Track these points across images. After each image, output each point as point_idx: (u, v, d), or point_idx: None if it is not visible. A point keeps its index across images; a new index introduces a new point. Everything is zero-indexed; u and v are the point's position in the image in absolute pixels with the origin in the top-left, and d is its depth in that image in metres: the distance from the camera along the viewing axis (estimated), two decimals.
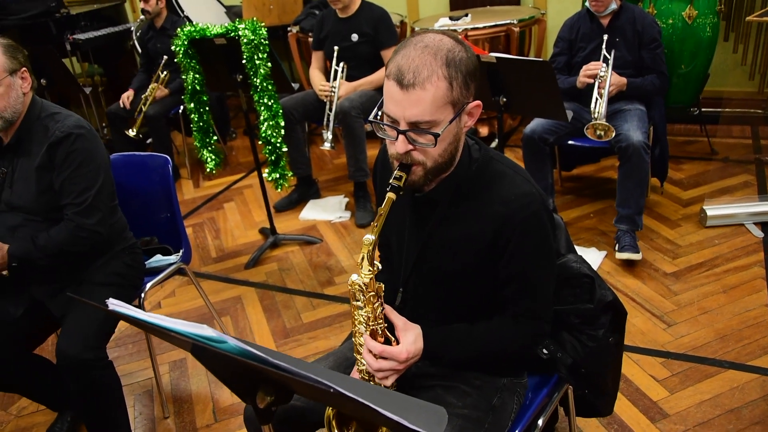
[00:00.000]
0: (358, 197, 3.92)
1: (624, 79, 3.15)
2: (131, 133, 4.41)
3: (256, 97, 3.16)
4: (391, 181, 1.32)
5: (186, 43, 3.21)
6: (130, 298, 2.36)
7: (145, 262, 2.53)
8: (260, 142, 3.27)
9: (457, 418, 1.46)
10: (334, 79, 3.74)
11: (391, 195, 1.32)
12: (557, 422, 2.23)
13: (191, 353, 1.04)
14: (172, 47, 3.29)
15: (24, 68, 2.06)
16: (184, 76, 3.36)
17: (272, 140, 3.22)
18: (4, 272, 2.13)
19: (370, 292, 1.33)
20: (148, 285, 2.43)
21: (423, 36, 1.30)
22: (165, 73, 4.47)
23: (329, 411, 1.40)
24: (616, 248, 3.11)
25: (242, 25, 3.08)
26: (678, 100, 4.11)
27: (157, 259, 2.59)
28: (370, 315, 1.35)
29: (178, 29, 3.27)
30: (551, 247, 1.45)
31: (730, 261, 3.06)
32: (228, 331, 2.98)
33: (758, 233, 3.23)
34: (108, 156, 2.21)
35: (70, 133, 2.02)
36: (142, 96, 4.48)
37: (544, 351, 1.68)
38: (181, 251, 2.61)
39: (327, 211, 4.01)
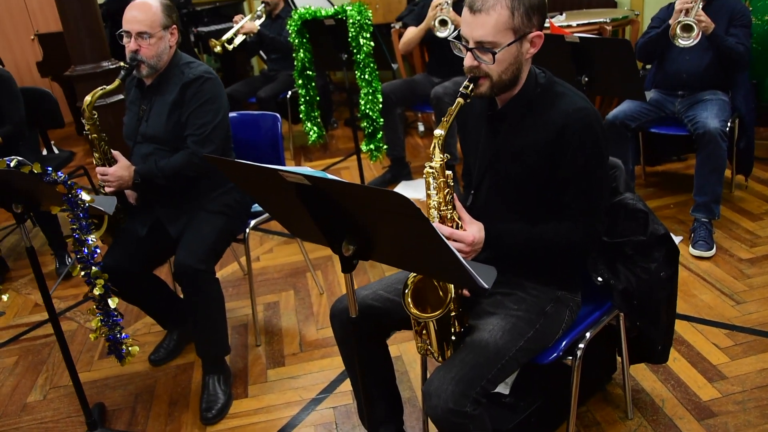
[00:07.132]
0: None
1: (712, 24, 3.05)
2: (217, 48, 4.99)
3: (358, 74, 3.48)
4: (461, 89, 1.61)
5: (299, 23, 3.58)
6: (237, 230, 2.68)
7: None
8: (359, 115, 3.58)
9: (512, 317, 1.68)
10: None
11: (460, 100, 1.60)
12: (615, 372, 2.35)
13: (298, 196, 1.30)
14: (287, 27, 3.68)
15: (174, 25, 2.44)
16: (294, 54, 3.73)
17: (370, 113, 3.52)
18: (134, 201, 2.52)
19: (440, 179, 1.57)
20: (252, 222, 2.75)
21: None
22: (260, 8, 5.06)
23: (409, 287, 1.63)
24: (690, 242, 3.17)
25: (349, 8, 3.41)
26: None
27: None
28: (441, 201, 1.59)
29: (292, 12, 3.66)
30: (603, 154, 1.65)
31: None
32: (320, 284, 3.26)
33: None
34: (228, 104, 2.55)
35: (200, 75, 2.39)
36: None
37: (599, 279, 1.85)
38: None
39: (418, 191, 4.25)
